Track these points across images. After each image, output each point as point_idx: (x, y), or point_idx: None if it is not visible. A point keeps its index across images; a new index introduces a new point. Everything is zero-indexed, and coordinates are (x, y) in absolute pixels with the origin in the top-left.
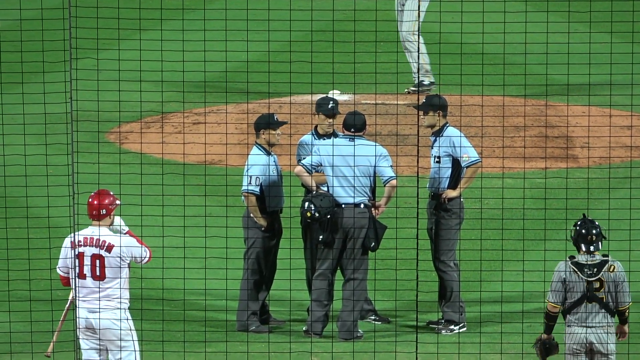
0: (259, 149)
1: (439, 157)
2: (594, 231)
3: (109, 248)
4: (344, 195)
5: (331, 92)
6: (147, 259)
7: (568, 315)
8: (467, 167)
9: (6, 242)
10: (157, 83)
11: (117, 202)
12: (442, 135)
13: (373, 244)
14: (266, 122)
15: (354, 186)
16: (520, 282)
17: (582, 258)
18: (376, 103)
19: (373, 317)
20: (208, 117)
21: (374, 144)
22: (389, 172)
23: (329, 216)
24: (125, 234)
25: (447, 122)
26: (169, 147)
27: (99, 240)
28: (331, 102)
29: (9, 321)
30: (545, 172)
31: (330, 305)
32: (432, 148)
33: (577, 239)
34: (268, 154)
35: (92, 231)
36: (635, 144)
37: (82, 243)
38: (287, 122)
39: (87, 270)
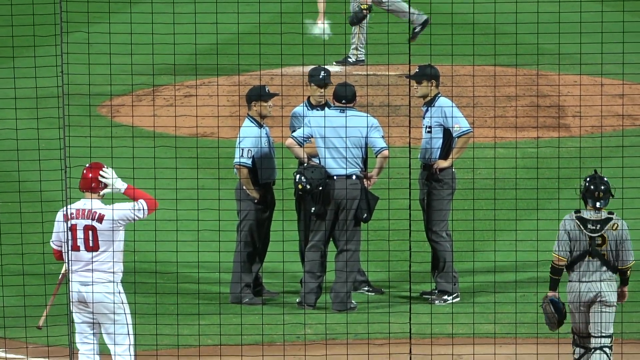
0: (251, 121)
1: (430, 128)
2: (602, 187)
3: (100, 218)
4: (335, 166)
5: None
6: (146, 210)
7: (570, 272)
8: (458, 137)
9: None
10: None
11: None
12: (433, 106)
13: (365, 215)
14: (257, 94)
15: (346, 157)
16: (513, 251)
17: (587, 214)
18: (367, 74)
19: (366, 289)
20: (199, 90)
21: (365, 115)
22: (381, 143)
23: (320, 188)
24: (124, 193)
25: (439, 92)
26: (161, 120)
27: (91, 211)
28: (322, 72)
29: (2, 295)
30: (537, 142)
31: (323, 276)
32: (424, 118)
33: (584, 194)
34: (260, 126)
35: (84, 203)
36: (627, 112)
37: (74, 215)
38: (278, 94)
39: (80, 242)
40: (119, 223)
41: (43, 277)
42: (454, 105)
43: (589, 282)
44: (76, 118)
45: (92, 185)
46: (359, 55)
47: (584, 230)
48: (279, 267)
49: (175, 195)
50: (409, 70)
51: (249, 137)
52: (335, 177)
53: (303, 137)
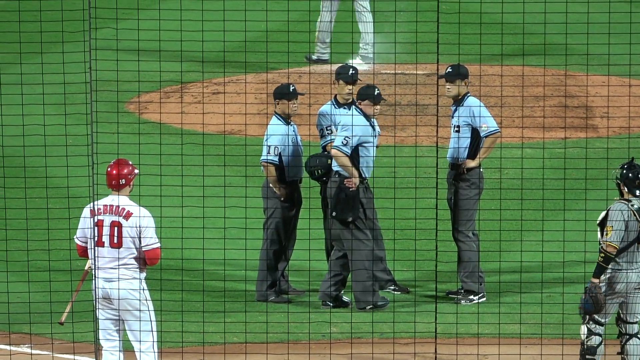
0: (278, 118)
1: (458, 127)
2: None
3: (127, 215)
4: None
5: (351, 60)
6: (153, 247)
7: (617, 259)
8: (485, 137)
9: (25, 212)
10: (177, 53)
11: (136, 171)
12: (462, 105)
13: (335, 213)
14: (282, 93)
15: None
16: (540, 252)
17: (637, 202)
18: (395, 73)
19: (392, 287)
20: (227, 87)
21: (346, 113)
22: (335, 141)
23: (324, 178)
24: None
25: (468, 92)
26: (189, 117)
27: (118, 207)
28: (351, 69)
29: (28, 291)
30: (565, 142)
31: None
32: (453, 117)
33: (625, 182)
34: (287, 123)
35: (111, 200)
36: None
37: (101, 211)
38: (304, 93)
39: (105, 238)
40: (136, 230)
41: (69, 273)
42: (482, 104)
43: (635, 269)
44: (104, 114)
45: (119, 183)
46: (321, 54)
47: (638, 217)
48: (305, 266)
49: (202, 192)
50: (437, 70)
51: (276, 135)
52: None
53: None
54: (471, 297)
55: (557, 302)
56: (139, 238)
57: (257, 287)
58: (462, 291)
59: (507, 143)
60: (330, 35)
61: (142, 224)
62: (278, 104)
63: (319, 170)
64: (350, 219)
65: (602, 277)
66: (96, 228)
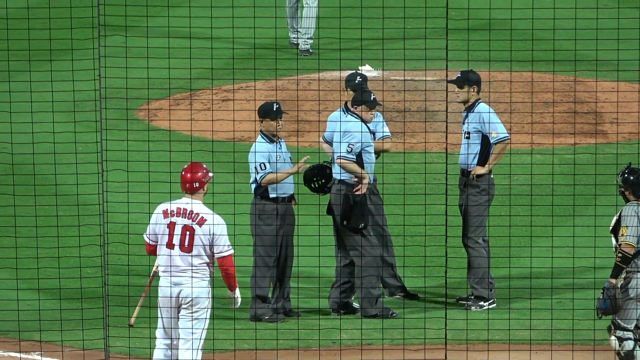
0: (263, 137)
1: (468, 133)
2: None
3: (201, 222)
4: (334, 170)
5: (361, 67)
6: (227, 254)
7: (635, 260)
8: (495, 143)
9: (35, 219)
10: (186, 60)
11: (210, 174)
12: (472, 111)
13: (345, 222)
14: (265, 111)
15: (333, 162)
16: (550, 258)
17: None
18: (405, 79)
19: (402, 294)
20: (237, 94)
21: (353, 119)
22: (340, 150)
23: (324, 189)
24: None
25: (479, 98)
26: (198, 124)
27: (192, 212)
28: (358, 77)
29: (38, 299)
30: (574, 148)
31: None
32: (463, 124)
33: (630, 187)
34: (272, 141)
35: (185, 203)
36: None
37: (174, 213)
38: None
39: (176, 240)
40: (208, 238)
41: (79, 280)
42: (492, 111)
43: None
44: (113, 122)
45: (193, 186)
46: (293, 39)
47: None
48: (315, 272)
49: (212, 199)
50: (447, 75)
51: (260, 152)
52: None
53: (329, 137)
54: (481, 303)
55: (567, 308)
56: (211, 246)
57: (251, 305)
58: (472, 297)
59: (516, 149)
60: (309, 22)
61: (215, 232)
62: (262, 122)
63: (318, 182)
64: (361, 226)
65: (617, 280)
66: (167, 229)
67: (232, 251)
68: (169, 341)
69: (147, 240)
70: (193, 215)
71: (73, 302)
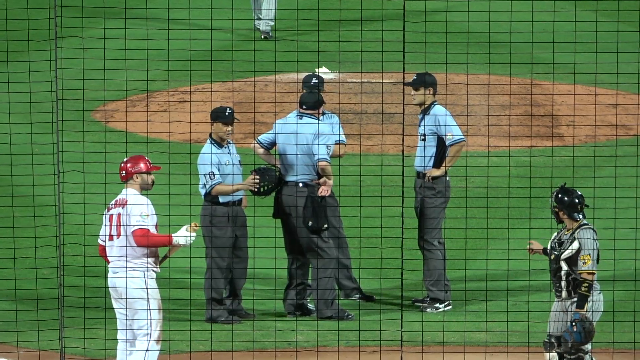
0: (211, 143)
1: (424, 135)
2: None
3: (124, 204)
4: (284, 173)
5: (318, 69)
6: (135, 228)
7: (595, 284)
8: (450, 145)
9: None
10: (143, 62)
11: (141, 165)
12: (428, 114)
13: (310, 223)
14: (217, 115)
15: (297, 164)
16: (506, 260)
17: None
18: (361, 82)
19: (358, 296)
20: (193, 96)
21: (317, 121)
22: (321, 151)
23: (271, 193)
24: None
25: (435, 101)
26: (155, 125)
27: (123, 199)
28: (314, 78)
29: None
30: (531, 151)
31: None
32: (419, 126)
33: (566, 208)
34: (220, 146)
35: (122, 193)
36: (621, 122)
37: (113, 206)
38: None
39: (114, 230)
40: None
41: (35, 281)
42: (448, 113)
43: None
44: (70, 123)
45: (121, 175)
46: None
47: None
48: (271, 274)
49: (168, 200)
50: (403, 78)
51: (207, 161)
52: (288, 184)
53: (267, 141)
54: (437, 305)
55: (522, 310)
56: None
57: (206, 307)
58: (428, 299)
59: (473, 151)
60: (269, 4)
61: (130, 211)
62: (213, 124)
63: (266, 186)
64: (325, 227)
65: (588, 306)
66: (108, 222)
67: (142, 225)
68: (122, 336)
69: (99, 242)
70: (122, 201)
71: (29, 303)
